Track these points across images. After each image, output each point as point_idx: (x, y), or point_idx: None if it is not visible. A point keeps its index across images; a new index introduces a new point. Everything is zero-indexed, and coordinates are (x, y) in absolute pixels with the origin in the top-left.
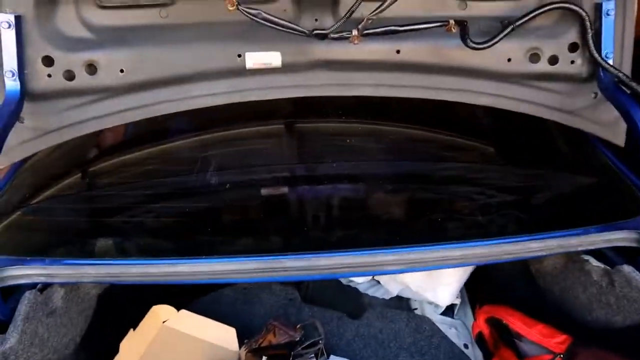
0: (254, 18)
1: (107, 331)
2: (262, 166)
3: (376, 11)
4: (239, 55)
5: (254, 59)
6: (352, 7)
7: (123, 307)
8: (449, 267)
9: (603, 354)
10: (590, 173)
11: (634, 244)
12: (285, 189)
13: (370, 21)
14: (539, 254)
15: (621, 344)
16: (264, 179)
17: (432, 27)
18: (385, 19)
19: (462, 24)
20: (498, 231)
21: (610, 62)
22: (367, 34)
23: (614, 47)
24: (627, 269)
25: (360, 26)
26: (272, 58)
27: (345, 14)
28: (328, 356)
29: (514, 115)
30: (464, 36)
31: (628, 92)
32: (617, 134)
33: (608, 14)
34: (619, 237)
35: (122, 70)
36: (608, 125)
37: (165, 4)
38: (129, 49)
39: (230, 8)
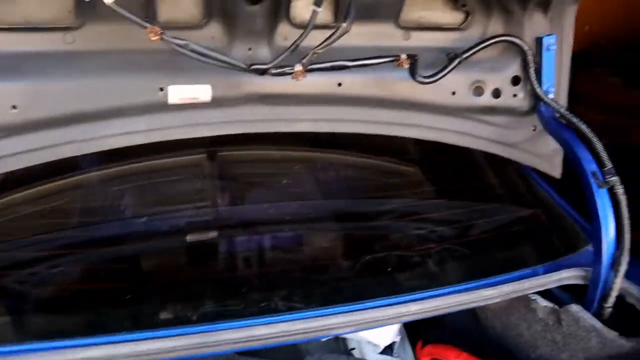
0: (181, 50)
1: None
2: (184, 211)
3: (324, 44)
4: (161, 89)
5: (179, 93)
6: (298, 39)
7: None
8: (404, 322)
9: None
10: (531, 207)
11: (580, 281)
12: (213, 241)
13: (315, 55)
14: (493, 300)
15: None
16: (188, 229)
17: (383, 62)
18: (329, 50)
19: (413, 58)
20: (448, 278)
21: (551, 96)
22: (312, 69)
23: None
24: (575, 308)
25: (304, 60)
26: (201, 92)
27: (290, 47)
28: None
29: (452, 149)
30: (414, 71)
31: (568, 125)
32: (555, 167)
33: (549, 49)
34: (567, 276)
35: (14, 107)
36: (546, 157)
37: (71, 28)
38: (24, 80)
39: (154, 38)
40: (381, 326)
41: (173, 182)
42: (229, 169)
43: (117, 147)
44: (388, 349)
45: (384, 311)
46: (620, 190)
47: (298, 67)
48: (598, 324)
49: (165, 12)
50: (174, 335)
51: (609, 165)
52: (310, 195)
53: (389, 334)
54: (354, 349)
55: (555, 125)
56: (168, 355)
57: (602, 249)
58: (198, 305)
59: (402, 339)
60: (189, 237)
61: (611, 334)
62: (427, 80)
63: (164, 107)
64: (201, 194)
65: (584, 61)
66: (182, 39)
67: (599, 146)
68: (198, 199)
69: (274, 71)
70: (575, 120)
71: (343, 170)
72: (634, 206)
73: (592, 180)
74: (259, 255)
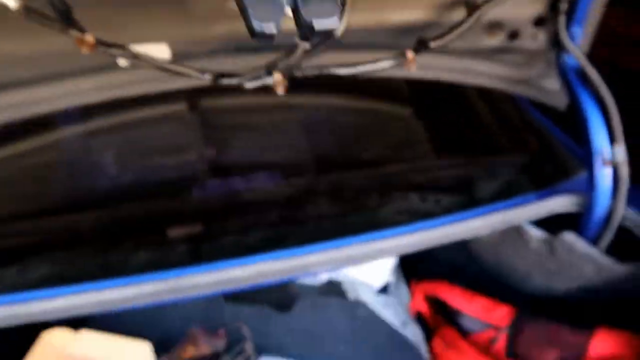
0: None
1: None
2: (160, 159)
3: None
4: None
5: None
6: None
7: None
8: (384, 257)
9: (551, 326)
10: (520, 134)
11: (575, 208)
12: (184, 185)
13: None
14: (482, 231)
15: (562, 308)
16: (159, 176)
17: (387, 67)
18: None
19: (422, 45)
20: (434, 211)
21: (578, 42)
22: (295, 78)
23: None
24: (568, 236)
25: (287, 67)
26: (159, 50)
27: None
28: (259, 356)
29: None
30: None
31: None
32: (562, 100)
33: None
34: (560, 204)
35: None
36: (555, 92)
37: None
38: None
39: (86, 50)
40: (363, 262)
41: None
42: (208, 118)
43: (65, 107)
44: (383, 290)
45: (364, 247)
46: (624, 170)
47: (277, 76)
48: (593, 251)
49: None
50: (144, 282)
51: (620, 142)
52: (289, 137)
53: (383, 274)
54: (348, 292)
55: (573, 78)
56: (138, 301)
57: (598, 173)
58: (170, 250)
59: (397, 278)
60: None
61: (606, 260)
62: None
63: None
64: (182, 141)
65: None
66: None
67: (615, 117)
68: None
69: (249, 85)
70: (597, 81)
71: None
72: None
73: (597, 157)
74: (233, 201)
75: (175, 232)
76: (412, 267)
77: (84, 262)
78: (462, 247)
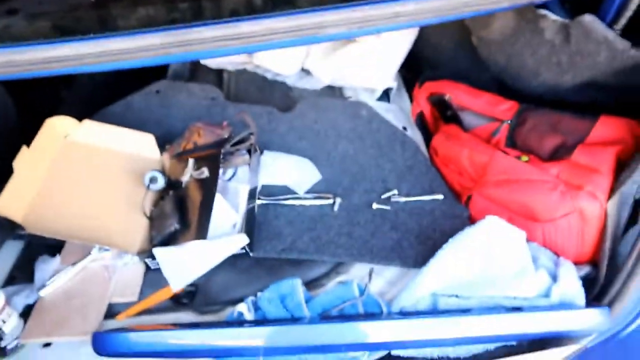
0: None
1: None
2: None
3: None
4: None
5: None
6: None
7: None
8: (400, 28)
9: (555, 115)
10: None
11: None
12: None
13: None
14: (504, 4)
15: (567, 103)
16: None
17: None
18: None
19: None
20: None
21: None
22: None
23: None
24: (588, 18)
25: None
26: None
27: None
28: (262, 152)
29: None
30: None
31: None
32: None
33: None
34: None
35: None
36: None
37: None
38: None
39: None
40: (375, 30)
41: None
42: None
43: None
44: (385, 96)
45: (377, 9)
46: None
47: None
48: (611, 34)
49: None
50: (149, 33)
51: None
52: None
53: (385, 78)
54: (350, 97)
55: None
56: (143, 54)
57: None
58: (172, 7)
59: (398, 85)
60: None
61: (623, 44)
62: None
63: None
64: None
65: None
66: None
67: None
68: None
69: None
70: None
71: None
72: None
73: None
74: None
75: None
76: (414, 74)
77: (82, 16)
78: (468, 50)
